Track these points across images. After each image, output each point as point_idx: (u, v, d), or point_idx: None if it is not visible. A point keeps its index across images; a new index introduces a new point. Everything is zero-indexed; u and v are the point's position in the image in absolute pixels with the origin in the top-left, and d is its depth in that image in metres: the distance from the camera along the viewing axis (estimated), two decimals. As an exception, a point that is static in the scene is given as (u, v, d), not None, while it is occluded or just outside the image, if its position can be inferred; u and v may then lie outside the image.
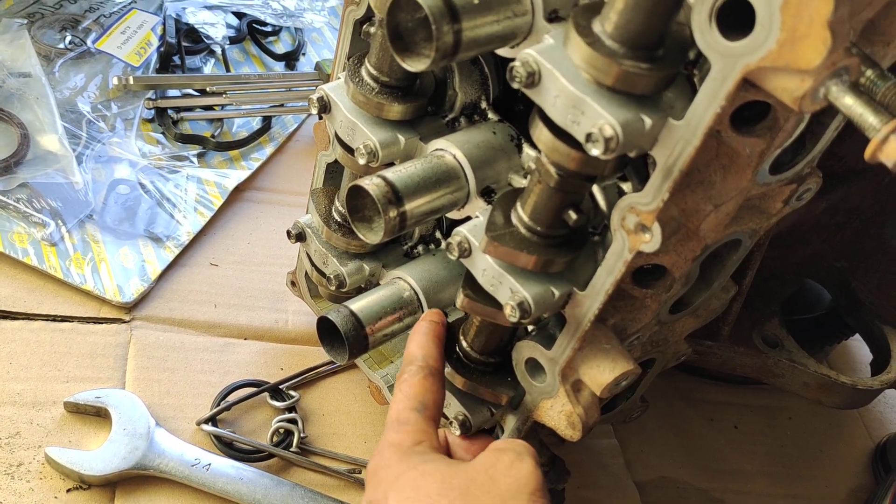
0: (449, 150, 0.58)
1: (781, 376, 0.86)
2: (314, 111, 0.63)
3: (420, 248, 0.73)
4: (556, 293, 0.54)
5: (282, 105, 1.06)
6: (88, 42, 1.02)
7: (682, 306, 0.63)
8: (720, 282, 0.63)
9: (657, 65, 0.44)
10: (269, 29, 1.19)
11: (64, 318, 0.78)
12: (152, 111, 0.99)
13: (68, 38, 1.02)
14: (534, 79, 0.46)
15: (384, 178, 0.55)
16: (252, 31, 1.17)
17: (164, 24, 1.08)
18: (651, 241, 0.49)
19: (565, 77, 0.45)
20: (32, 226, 0.83)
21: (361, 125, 0.60)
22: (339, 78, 0.63)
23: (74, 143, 0.92)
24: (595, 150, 0.44)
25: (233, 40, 1.14)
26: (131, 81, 0.98)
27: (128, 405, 0.72)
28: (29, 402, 0.72)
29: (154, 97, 0.99)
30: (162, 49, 1.05)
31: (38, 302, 0.79)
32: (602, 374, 0.57)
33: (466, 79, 0.62)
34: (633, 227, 0.49)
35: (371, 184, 0.55)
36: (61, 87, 0.95)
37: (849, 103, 0.40)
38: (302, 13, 1.21)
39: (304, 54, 1.19)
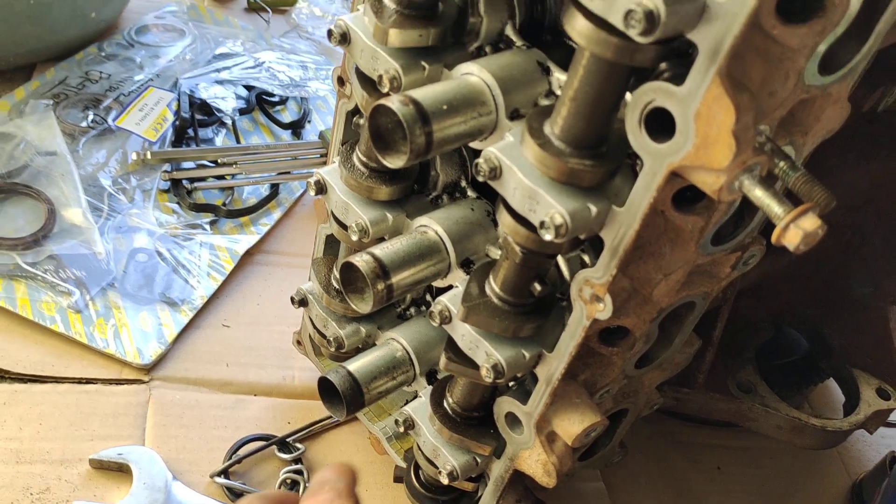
0: (431, 226, 0.65)
1: (756, 420, 0.91)
2: (312, 193, 0.70)
3: (412, 310, 0.80)
4: (527, 355, 0.61)
5: (288, 172, 1.14)
6: (109, 120, 1.10)
7: (647, 361, 0.69)
8: (681, 339, 0.69)
9: (600, 161, 0.51)
10: (276, 99, 1.28)
11: (89, 381, 0.85)
12: (168, 182, 1.07)
13: (91, 117, 1.10)
14: (496, 173, 0.53)
15: (372, 255, 0.62)
16: (260, 102, 1.26)
17: (178, 100, 1.16)
18: (604, 310, 0.55)
19: (521, 172, 0.52)
20: (59, 294, 0.91)
21: (354, 205, 0.68)
22: (334, 162, 0.71)
23: (97, 215, 1.00)
24: (548, 236, 0.50)
25: (242, 111, 1.23)
26: (149, 156, 1.06)
27: (147, 460, 0.79)
28: (57, 459, 0.78)
29: (170, 169, 1.07)
30: (177, 123, 1.13)
31: (65, 366, 0.86)
32: (572, 426, 0.64)
33: (447, 161, 0.69)
34: (589, 297, 0.56)
35: (361, 260, 0.62)
36: (84, 164, 1.04)
37: (758, 195, 0.47)
38: (307, 83, 1.30)
39: (309, 121, 1.27)
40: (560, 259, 0.62)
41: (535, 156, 0.51)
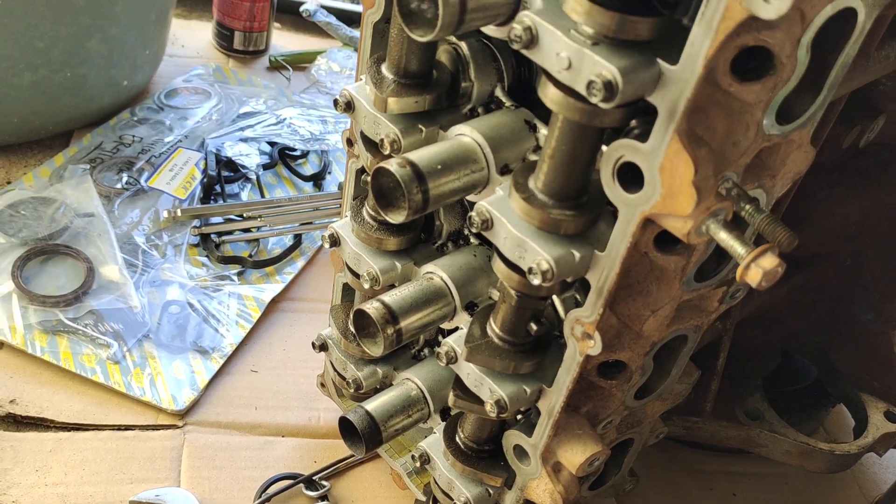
0: (437, 272, 0.70)
1: (765, 446, 0.94)
2: (327, 245, 0.76)
3: (426, 350, 0.85)
4: (528, 391, 0.65)
5: (310, 223, 1.20)
6: (142, 181, 1.17)
7: (647, 392, 0.73)
8: (677, 370, 0.73)
9: (581, 211, 0.56)
10: (297, 153, 1.35)
11: (127, 427, 0.91)
12: (198, 237, 1.14)
13: (125, 179, 1.18)
14: (488, 224, 0.58)
15: (382, 302, 0.67)
16: (283, 157, 1.33)
17: (205, 159, 1.23)
18: (595, 346, 0.60)
19: (510, 223, 0.57)
20: (98, 347, 0.97)
21: (365, 256, 0.73)
22: (346, 216, 0.76)
23: (132, 270, 1.06)
24: (536, 280, 0.55)
25: (266, 166, 1.30)
26: (179, 213, 1.12)
27: (183, 501, 0.84)
28: (100, 502, 0.84)
29: (199, 225, 1.14)
30: (204, 181, 1.20)
31: (105, 414, 0.92)
32: (575, 456, 0.68)
33: (450, 212, 0.74)
34: (580, 335, 0.60)
35: (371, 308, 0.67)
36: (120, 223, 1.11)
37: (723, 237, 0.51)
38: (326, 136, 1.37)
39: (329, 173, 1.34)
40: (555, 298, 0.67)
41: (521, 208, 0.56)
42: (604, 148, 0.55)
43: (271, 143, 1.33)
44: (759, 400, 0.97)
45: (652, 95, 0.48)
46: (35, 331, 0.96)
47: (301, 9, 1.66)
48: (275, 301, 1.10)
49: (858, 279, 0.98)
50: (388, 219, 0.60)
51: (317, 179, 1.31)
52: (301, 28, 1.73)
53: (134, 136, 1.27)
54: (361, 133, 0.69)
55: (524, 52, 0.50)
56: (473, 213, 0.58)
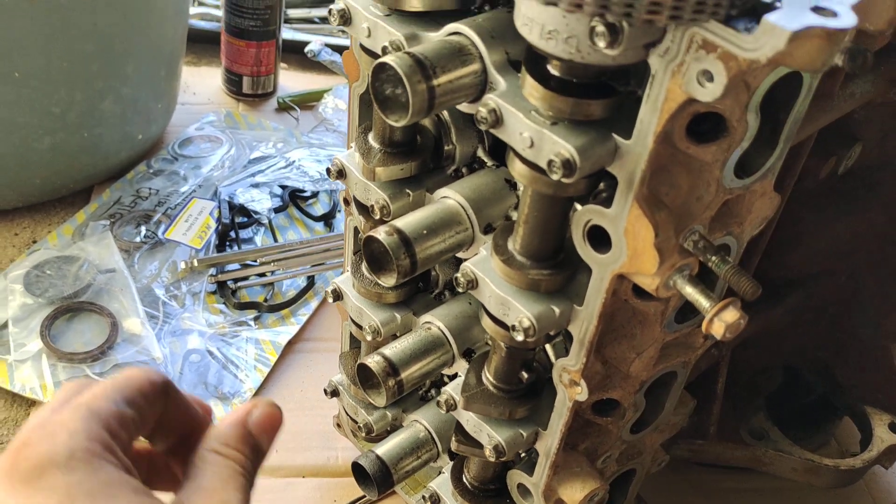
0: (434, 322, 0.74)
1: (771, 464, 0.97)
2: (330, 300, 0.80)
3: (433, 391, 0.88)
4: (525, 434, 0.68)
5: (322, 263, 1.24)
6: (159, 233, 1.23)
7: (643, 426, 0.76)
8: (671, 403, 0.76)
9: (558, 269, 0.59)
10: (307, 194, 1.39)
11: (155, 476, 0.96)
12: (215, 285, 1.18)
13: (143, 232, 1.23)
14: (472, 284, 0.62)
15: (383, 356, 0.71)
16: (293, 199, 1.37)
17: (219, 207, 1.28)
18: (581, 393, 0.63)
19: (493, 283, 0.60)
20: (125, 399, 1.02)
21: (366, 309, 0.77)
22: (347, 271, 0.80)
23: (153, 322, 1.11)
24: (519, 337, 0.59)
25: (277, 210, 1.34)
26: (195, 264, 1.17)
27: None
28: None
29: (215, 273, 1.19)
30: (219, 229, 1.25)
31: (134, 464, 0.97)
32: (575, 493, 0.71)
33: (444, 263, 0.78)
34: (567, 382, 0.64)
35: (372, 362, 0.71)
36: (140, 277, 1.16)
37: (688, 291, 0.54)
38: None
39: (339, 211, 1.38)
40: (548, 346, 0.70)
41: (502, 270, 0.59)
42: (577, 205, 0.58)
43: (282, 187, 1.38)
44: (763, 419, 0.99)
45: (611, 166, 0.52)
46: (65, 387, 1.01)
47: (306, 49, 1.70)
48: (291, 343, 1.15)
49: (855, 295, 1.00)
50: (380, 282, 0.64)
51: (327, 219, 1.35)
52: (307, 66, 1.78)
53: (150, 189, 1.32)
54: (354, 197, 0.73)
55: (491, 131, 0.53)
56: (459, 275, 0.62)
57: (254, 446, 0.51)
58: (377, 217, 0.68)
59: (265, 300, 1.18)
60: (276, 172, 1.39)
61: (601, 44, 0.43)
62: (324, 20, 1.88)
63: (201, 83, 1.68)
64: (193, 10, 1.79)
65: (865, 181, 0.91)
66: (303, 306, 1.20)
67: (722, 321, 0.52)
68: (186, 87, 1.64)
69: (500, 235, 0.61)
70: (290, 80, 1.74)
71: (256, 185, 1.36)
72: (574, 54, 0.46)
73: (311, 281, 1.22)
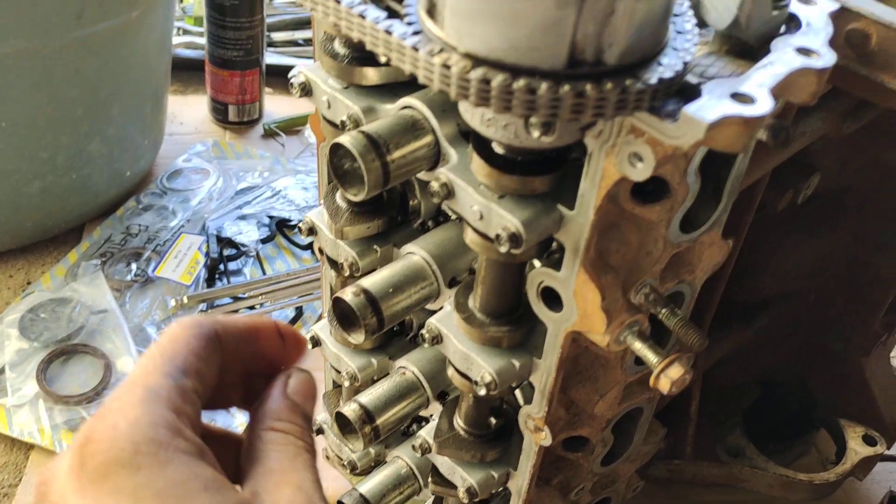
0: (409, 367, 0.77)
1: (747, 481, 0.99)
2: (310, 346, 0.82)
3: (414, 426, 0.91)
4: (496, 475, 0.71)
5: (310, 294, 1.27)
6: (149, 271, 1.26)
7: (614, 458, 0.79)
8: (640, 435, 0.79)
9: (516, 325, 0.62)
10: (294, 222, 1.42)
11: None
12: (205, 320, 1.21)
13: (134, 271, 1.26)
14: (437, 339, 0.65)
15: (358, 403, 0.74)
16: (280, 229, 1.40)
17: (207, 242, 1.31)
18: (546, 438, 0.66)
19: (456, 339, 0.63)
20: (121, 439, 1.05)
21: (343, 356, 0.80)
22: (324, 318, 0.83)
23: (146, 360, 1.14)
24: (481, 391, 0.62)
25: (265, 240, 1.37)
26: (185, 300, 1.20)
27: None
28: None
29: (205, 308, 1.22)
30: (208, 264, 1.28)
31: None
32: (548, 527, 0.74)
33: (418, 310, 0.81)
34: (532, 427, 0.66)
35: (349, 410, 0.73)
36: (131, 316, 1.19)
37: (637, 347, 0.57)
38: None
39: (326, 238, 1.41)
40: (517, 391, 0.73)
41: (462, 327, 0.62)
42: (536, 261, 0.61)
43: (270, 217, 1.40)
44: (739, 436, 1.02)
45: (558, 234, 0.54)
46: (62, 430, 1.05)
47: (289, 75, 1.73)
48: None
49: (825, 312, 1.03)
50: (349, 339, 0.66)
51: (314, 247, 1.38)
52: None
53: (140, 226, 1.35)
54: (324, 252, 0.76)
55: (445, 203, 0.56)
56: (424, 331, 0.65)
57: (304, 415, 0.48)
58: (346, 274, 0.71)
59: (255, 333, 1.21)
60: (263, 203, 1.42)
61: (535, 133, 0.46)
62: (308, 41, 1.91)
63: (188, 112, 1.71)
64: (178, 39, 1.81)
65: (829, 204, 0.94)
66: (292, 337, 1.23)
67: (668, 377, 0.55)
68: (174, 117, 1.67)
69: (462, 292, 0.64)
70: (276, 105, 1.76)
71: (244, 217, 1.38)
72: (513, 139, 0.49)
73: (299, 311, 1.25)
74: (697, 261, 0.64)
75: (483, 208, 0.53)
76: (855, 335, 1.02)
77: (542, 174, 0.52)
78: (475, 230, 0.56)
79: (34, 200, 1.25)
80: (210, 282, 1.28)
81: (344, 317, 0.67)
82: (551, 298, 0.58)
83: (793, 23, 0.51)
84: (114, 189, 1.38)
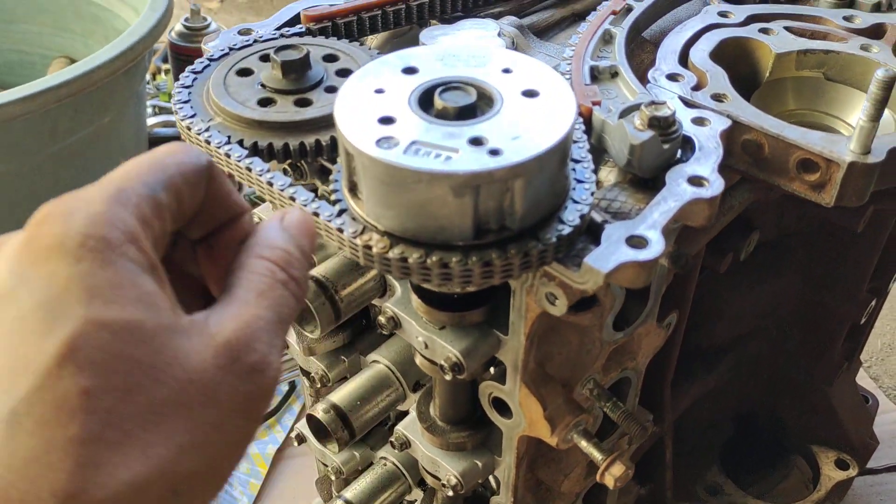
0: (389, 458, 0.82)
1: (728, 517, 1.04)
2: (296, 444, 0.87)
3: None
4: (477, 557, 0.76)
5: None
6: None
7: (590, 518, 0.84)
8: (611, 500, 0.84)
9: (476, 429, 0.67)
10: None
11: None
12: (202, 404, 1.26)
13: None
14: (406, 445, 0.70)
15: (343, 499, 0.79)
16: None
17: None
18: (516, 527, 0.71)
19: (422, 445, 0.68)
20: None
21: (328, 452, 0.85)
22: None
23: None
24: (449, 493, 0.67)
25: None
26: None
27: None
28: None
29: (201, 393, 1.27)
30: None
31: None
32: None
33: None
34: (503, 516, 0.71)
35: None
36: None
37: (583, 445, 0.62)
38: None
39: (313, 306, 1.46)
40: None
41: (426, 435, 0.67)
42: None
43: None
44: (717, 472, 1.07)
45: (498, 353, 0.59)
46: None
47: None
48: (280, 451, 1.23)
49: (784, 347, 1.08)
50: (326, 450, 0.72)
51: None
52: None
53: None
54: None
55: (395, 332, 0.61)
56: (393, 438, 0.70)
57: (299, 247, 0.41)
58: (318, 386, 0.76)
59: (251, 412, 1.26)
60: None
61: (457, 288, 0.51)
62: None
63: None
64: (154, 119, 1.86)
65: (775, 251, 0.99)
66: (287, 412, 1.28)
67: (611, 475, 0.60)
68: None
69: (423, 401, 0.69)
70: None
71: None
72: (442, 286, 0.54)
73: (292, 386, 1.30)
74: (638, 348, 0.69)
75: (426, 339, 0.59)
76: (816, 366, 1.07)
77: (476, 308, 0.57)
78: (424, 356, 0.61)
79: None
80: (204, 365, 1.32)
81: (318, 430, 0.72)
82: (502, 405, 0.64)
83: (688, 145, 0.56)
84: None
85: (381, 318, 0.61)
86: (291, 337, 0.78)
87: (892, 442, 1.27)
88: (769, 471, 1.14)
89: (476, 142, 0.45)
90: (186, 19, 1.55)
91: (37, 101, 1.07)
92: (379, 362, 0.73)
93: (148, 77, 1.88)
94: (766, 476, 1.12)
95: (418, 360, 0.62)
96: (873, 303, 1.02)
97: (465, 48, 0.52)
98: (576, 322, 0.61)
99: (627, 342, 0.67)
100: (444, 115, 0.47)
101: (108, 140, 1.28)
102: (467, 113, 0.47)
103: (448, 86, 0.49)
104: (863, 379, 1.39)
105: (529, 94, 0.48)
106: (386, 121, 0.46)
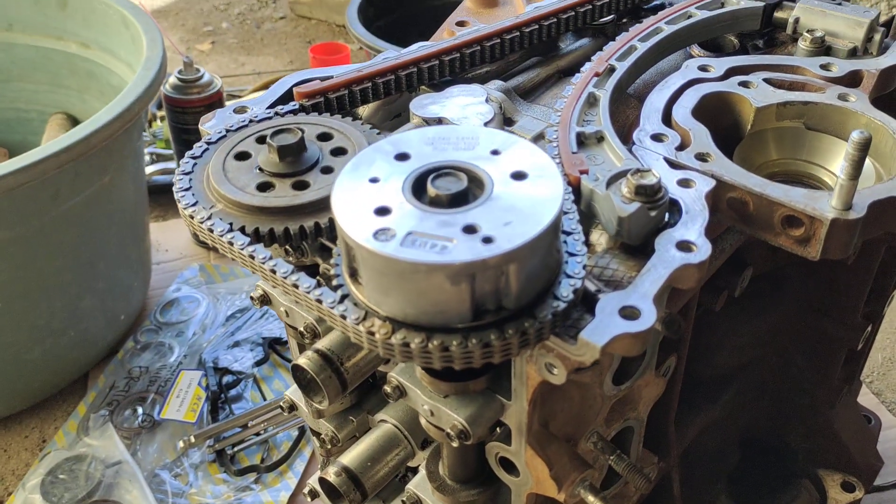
0: None
1: (738, 545, 1.05)
2: (309, 499, 0.89)
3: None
4: None
5: (309, 410, 1.34)
6: (155, 414, 1.32)
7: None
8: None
9: (485, 486, 0.68)
10: (285, 340, 1.49)
11: None
12: (214, 454, 1.28)
13: (140, 417, 1.33)
14: (418, 501, 0.71)
15: None
16: (273, 347, 1.47)
17: (206, 375, 1.38)
18: (529, 576, 0.72)
19: (431, 501, 0.70)
20: (150, 590, 1.11)
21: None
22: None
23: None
24: (462, 550, 0.68)
25: (260, 362, 1.44)
26: (193, 440, 1.27)
27: None
28: None
29: (212, 443, 1.28)
30: (209, 397, 1.35)
31: None
32: None
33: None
34: (516, 568, 0.73)
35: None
36: (144, 463, 1.25)
37: (591, 500, 0.63)
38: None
39: (318, 348, 1.47)
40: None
41: (436, 494, 0.69)
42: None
43: (263, 338, 1.47)
44: (726, 500, 1.08)
45: (503, 417, 0.61)
46: (94, 591, 1.11)
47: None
48: (292, 497, 1.24)
49: (787, 373, 1.09)
50: (338, 512, 0.73)
51: (308, 361, 1.45)
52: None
53: (140, 367, 1.42)
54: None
55: (401, 399, 0.63)
56: (405, 497, 0.71)
57: None
58: (328, 447, 0.77)
59: (262, 460, 1.28)
60: (254, 325, 1.49)
61: (458, 366, 0.52)
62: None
63: (172, 238, 1.78)
64: (152, 167, 1.89)
65: (770, 282, 1.00)
66: (297, 457, 1.29)
67: (618, 530, 0.61)
68: (158, 246, 1.74)
69: (432, 460, 0.70)
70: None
71: (237, 343, 1.45)
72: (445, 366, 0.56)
73: (302, 430, 1.32)
74: (639, 399, 0.70)
75: (432, 407, 0.60)
76: (818, 390, 1.09)
77: (478, 377, 0.59)
78: (430, 422, 0.62)
79: (37, 363, 1.32)
80: (214, 414, 1.34)
81: (331, 491, 0.74)
82: (509, 465, 0.65)
83: (675, 207, 0.58)
84: (111, 334, 1.45)
85: (387, 388, 0.62)
86: (300, 398, 0.79)
87: (897, 457, 1.28)
88: (777, 496, 1.15)
89: (469, 229, 0.47)
90: (180, 71, 1.58)
91: (38, 168, 1.09)
92: (387, 421, 0.74)
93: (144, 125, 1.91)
94: (774, 501, 1.13)
95: (424, 424, 0.63)
96: (869, 328, 1.04)
97: (454, 131, 0.54)
98: (576, 380, 0.63)
99: (628, 393, 0.69)
100: (437, 203, 0.49)
101: (108, 199, 1.30)
102: (460, 199, 0.49)
103: (440, 172, 0.51)
104: (865, 395, 1.41)
105: (518, 176, 0.50)
106: (382, 211, 0.48)
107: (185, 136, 1.68)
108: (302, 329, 0.68)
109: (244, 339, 1.47)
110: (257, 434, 1.31)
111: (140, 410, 1.34)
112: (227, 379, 1.40)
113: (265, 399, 1.38)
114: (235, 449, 1.29)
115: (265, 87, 2.29)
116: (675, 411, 0.92)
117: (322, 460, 0.88)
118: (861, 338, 1.04)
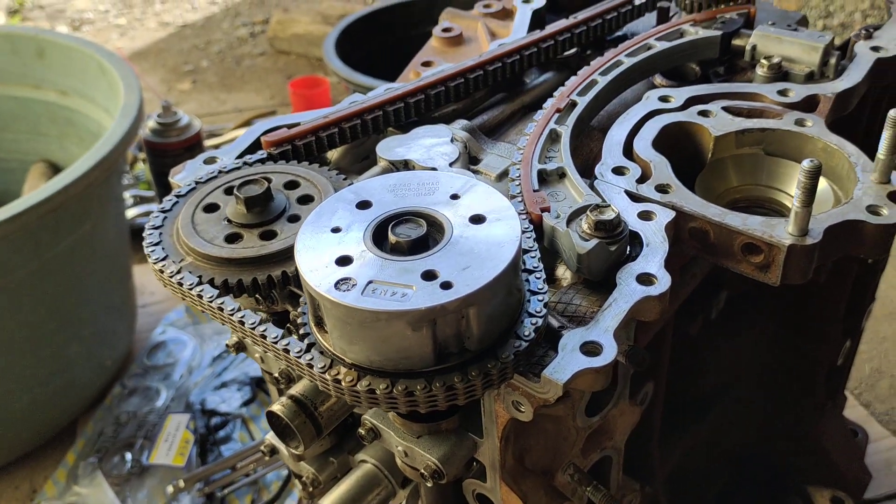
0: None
1: (729, 567, 1.05)
2: (296, 541, 0.89)
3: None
4: None
5: (298, 448, 1.33)
6: (143, 460, 1.32)
7: None
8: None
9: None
10: (274, 376, 1.49)
11: None
12: (203, 498, 1.28)
13: (129, 463, 1.32)
14: (400, 543, 0.71)
15: None
16: (260, 386, 1.47)
17: (193, 418, 1.38)
18: None
19: (415, 543, 0.70)
20: None
21: None
22: (305, 509, 0.90)
23: (155, 551, 1.20)
24: (445, 589, 0.68)
25: (247, 402, 1.44)
26: (182, 484, 1.27)
27: None
28: None
29: (202, 486, 1.28)
30: (198, 440, 1.35)
31: None
32: None
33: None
34: None
35: None
36: (134, 510, 1.25)
37: (569, 534, 0.64)
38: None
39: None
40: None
41: (418, 534, 0.69)
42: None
43: (250, 378, 1.47)
44: (716, 522, 1.08)
45: (476, 455, 0.62)
46: None
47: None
48: (284, 537, 1.24)
49: (770, 390, 1.10)
50: (323, 555, 0.73)
51: (296, 398, 1.45)
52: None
53: (128, 412, 1.42)
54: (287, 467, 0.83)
55: (376, 441, 0.63)
56: (386, 537, 0.71)
57: None
58: (309, 489, 0.77)
59: (252, 501, 1.27)
60: (241, 365, 1.49)
61: (423, 410, 0.53)
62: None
63: (156, 281, 1.78)
64: (134, 210, 1.89)
65: (746, 302, 1.01)
66: (287, 496, 1.29)
67: (597, 563, 0.61)
68: (143, 288, 1.74)
69: (412, 499, 0.71)
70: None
71: (225, 384, 1.45)
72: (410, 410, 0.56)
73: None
74: (615, 428, 0.71)
75: (406, 448, 0.61)
76: (803, 406, 1.09)
77: (448, 416, 0.59)
78: (405, 464, 0.63)
79: (25, 413, 1.32)
80: (203, 457, 1.34)
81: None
82: (486, 501, 0.65)
83: (636, 240, 0.59)
84: (98, 380, 1.45)
85: (361, 430, 0.63)
86: (280, 444, 0.80)
87: (888, 470, 1.29)
88: (768, 513, 1.15)
89: (429, 275, 0.48)
90: (159, 115, 1.59)
91: (18, 221, 1.10)
92: (367, 461, 0.75)
93: (125, 167, 1.92)
94: (765, 518, 1.14)
95: (400, 465, 0.64)
96: (848, 343, 1.05)
97: (415, 177, 0.55)
98: (549, 413, 0.63)
99: (603, 424, 0.70)
100: (398, 250, 0.50)
101: (90, 245, 1.31)
102: (420, 245, 0.50)
103: (400, 219, 0.52)
104: (853, 407, 1.41)
105: (476, 219, 0.51)
106: (343, 261, 0.49)
107: (165, 179, 1.69)
108: (277, 374, 0.69)
109: (231, 379, 1.47)
110: (246, 475, 1.31)
111: (129, 456, 1.34)
112: (214, 420, 1.40)
113: (253, 439, 1.37)
114: (225, 491, 1.29)
115: (246, 123, 2.31)
116: (657, 434, 0.92)
117: (305, 503, 0.88)
118: (840, 353, 1.05)
